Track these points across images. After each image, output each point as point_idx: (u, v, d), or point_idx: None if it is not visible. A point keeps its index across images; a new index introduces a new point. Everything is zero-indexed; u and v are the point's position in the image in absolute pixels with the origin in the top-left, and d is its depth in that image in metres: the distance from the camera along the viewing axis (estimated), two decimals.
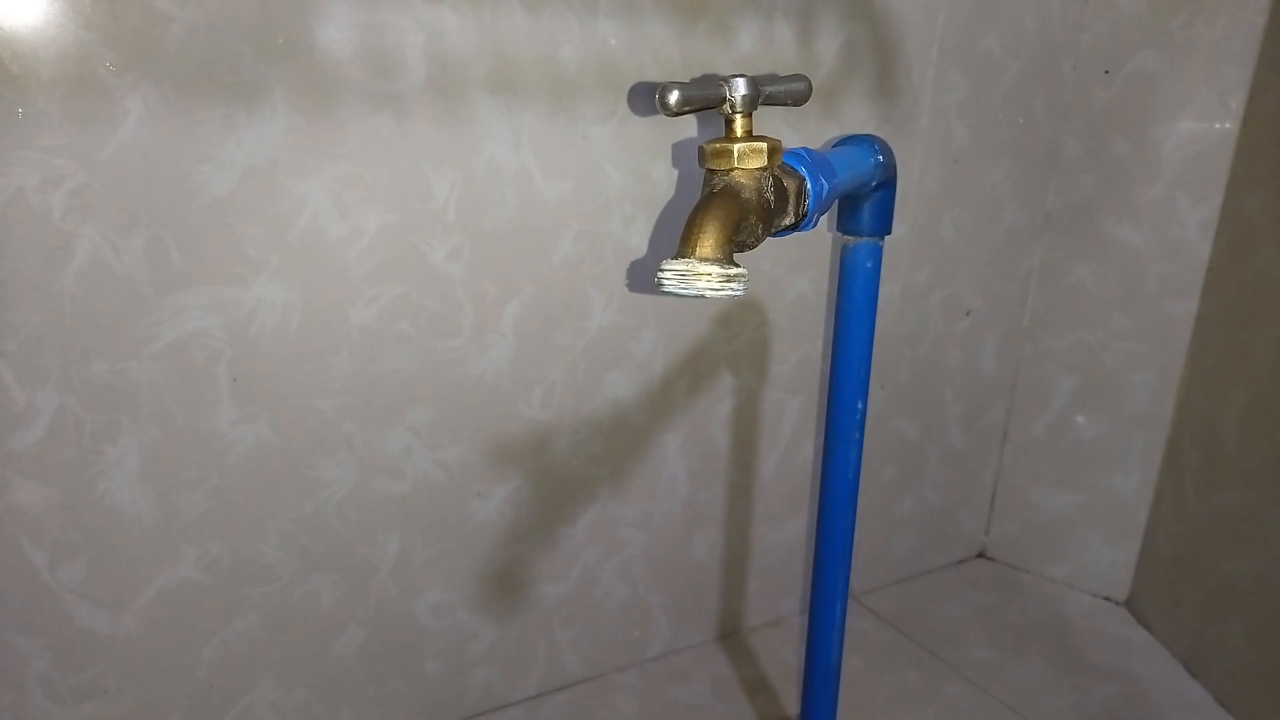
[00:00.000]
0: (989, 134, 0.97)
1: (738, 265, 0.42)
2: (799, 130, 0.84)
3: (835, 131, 0.86)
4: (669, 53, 0.76)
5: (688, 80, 0.54)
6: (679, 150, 0.80)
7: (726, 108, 0.48)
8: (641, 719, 0.89)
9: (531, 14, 0.69)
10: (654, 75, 0.76)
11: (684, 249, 0.43)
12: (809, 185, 0.52)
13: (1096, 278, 1.04)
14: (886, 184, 0.65)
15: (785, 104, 0.50)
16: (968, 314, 1.05)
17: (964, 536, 1.18)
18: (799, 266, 0.91)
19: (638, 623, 0.95)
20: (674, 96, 0.48)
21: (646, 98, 0.76)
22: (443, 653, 0.84)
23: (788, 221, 0.52)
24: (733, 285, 0.42)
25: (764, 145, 0.48)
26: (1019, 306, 1.09)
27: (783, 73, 0.73)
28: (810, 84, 0.52)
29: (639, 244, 0.81)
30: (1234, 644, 0.90)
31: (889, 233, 0.67)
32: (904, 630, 1.04)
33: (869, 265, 0.67)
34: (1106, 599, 1.11)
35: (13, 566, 0.64)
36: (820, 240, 0.91)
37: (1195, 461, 0.98)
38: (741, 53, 0.79)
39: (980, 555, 1.21)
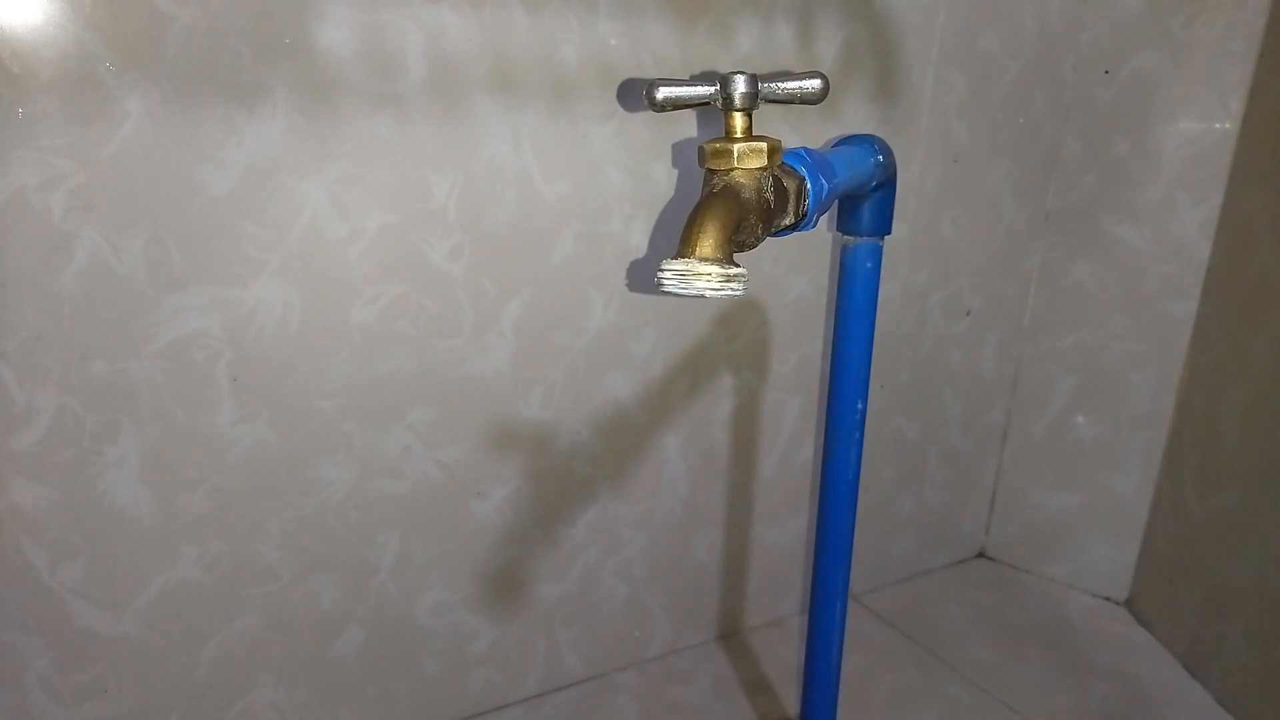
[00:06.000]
0: (989, 134, 0.97)
1: (738, 265, 0.42)
2: (799, 130, 0.84)
3: (835, 131, 0.86)
4: (669, 53, 0.76)
5: (687, 79, 0.55)
6: (679, 150, 0.80)
7: (719, 103, 0.49)
8: (641, 719, 0.89)
9: (531, 14, 0.70)
10: (654, 75, 0.76)
11: (684, 249, 0.43)
12: (809, 185, 0.52)
13: (1096, 278, 1.04)
14: (886, 184, 0.65)
15: (797, 102, 0.50)
16: (968, 314, 1.05)
17: (964, 536, 1.18)
18: (799, 266, 0.91)
19: (638, 623, 0.95)
20: (660, 93, 0.51)
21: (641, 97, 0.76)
22: (443, 653, 0.84)
23: (787, 221, 0.51)
24: (733, 285, 0.42)
25: (764, 145, 0.48)
26: (1019, 306, 1.09)
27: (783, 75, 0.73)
28: (827, 81, 0.50)
29: (639, 244, 0.81)
30: (1234, 644, 0.90)
31: (889, 233, 0.67)
32: (904, 630, 1.04)
33: (869, 265, 0.67)
34: (1106, 599, 1.11)
35: (13, 566, 0.64)
36: (820, 240, 0.91)
37: (1195, 461, 0.98)
38: (741, 53, 0.79)
39: (980, 555, 1.21)
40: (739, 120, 0.49)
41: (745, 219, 0.46)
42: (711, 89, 0.50)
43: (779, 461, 0.98)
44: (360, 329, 0.71)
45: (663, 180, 0.80)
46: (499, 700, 0.89)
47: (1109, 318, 1.04)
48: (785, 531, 1.01)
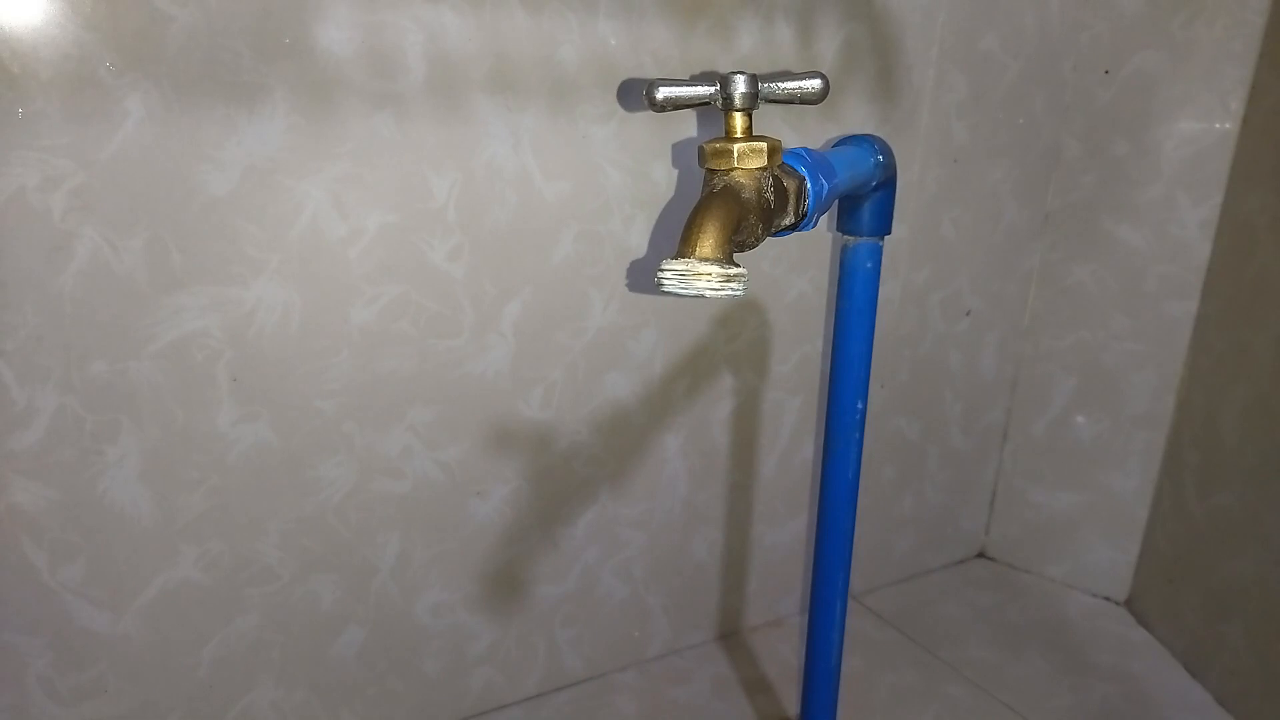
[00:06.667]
0: (989, 134, 0.97)
1: (738, 265, 0.42)
2: (799, 130, 0.84)
3: (835, 131, 0.86)
4: (669, 53, 0.76)
5: (687, 79, 0.55)
6: (679, 150, 0.80)
7: (719, 103, 0.49)
8: (641, 719, 0.89)
9: (531, 14, 0.69)
10: (654, 75, 0.76)
11: (684, 249, 0.43)
12: (809, 185, 0.52)
13: (1096, 278, 1.04)
14: (886, 184, 0.65)
15: (796, 102, 0.50)
16: (968, 314, 1.05)
17: (964, 536, 1.18)
18: (799, 266, 0.91)
19: (638, 623, 0.95)
20: (660, 93, 0.51)
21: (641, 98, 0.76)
22: (443, 653, 0.84)
23: (788, 221, 0.52)
24: (733, 285, 0.42)
25: (764, 145, 0.48)
26: (1019, 306, 1.09)
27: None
28: (827, 81, 0.50)
29: (639, 244, 0.81)
30: (1234, 644, 0.90)
31: (889, 233, 0.67)
32: (904, 630, 1.04)
33: (869, 265, 0.67)
34: (1106, 599, 1.11)
35: (13, 566, 0.64)
36: (820, 240, 0.91)
37: (1195, 461, 0.98)
38: (741, 53, 0.79)
39: (980, 555, 1.21)
40: (739, 120, 0.49)
41: (745, 219, 0.46)
42: (711, 89, 0.50)
43: (779, 461, 0.98)
44: (360, 329, 0.71)
45: (663, 180, 0.80)
46: (499, 700, 0.89)
47: (1109, 318, 1.04)
48: (785, 531, 1.01)
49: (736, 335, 0.89)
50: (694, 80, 0.51)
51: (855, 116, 0.88)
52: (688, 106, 0.51)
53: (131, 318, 0.63)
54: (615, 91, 0.75)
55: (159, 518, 0.68)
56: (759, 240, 0.48)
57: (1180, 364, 1.01)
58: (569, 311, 0.80)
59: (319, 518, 0.74)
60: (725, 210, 0.44)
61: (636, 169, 0.78)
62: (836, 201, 0.64)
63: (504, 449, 0.80)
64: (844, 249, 0.67)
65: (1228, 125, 0.93)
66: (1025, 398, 1.12)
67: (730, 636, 1.02)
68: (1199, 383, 0.98)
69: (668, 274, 0.42)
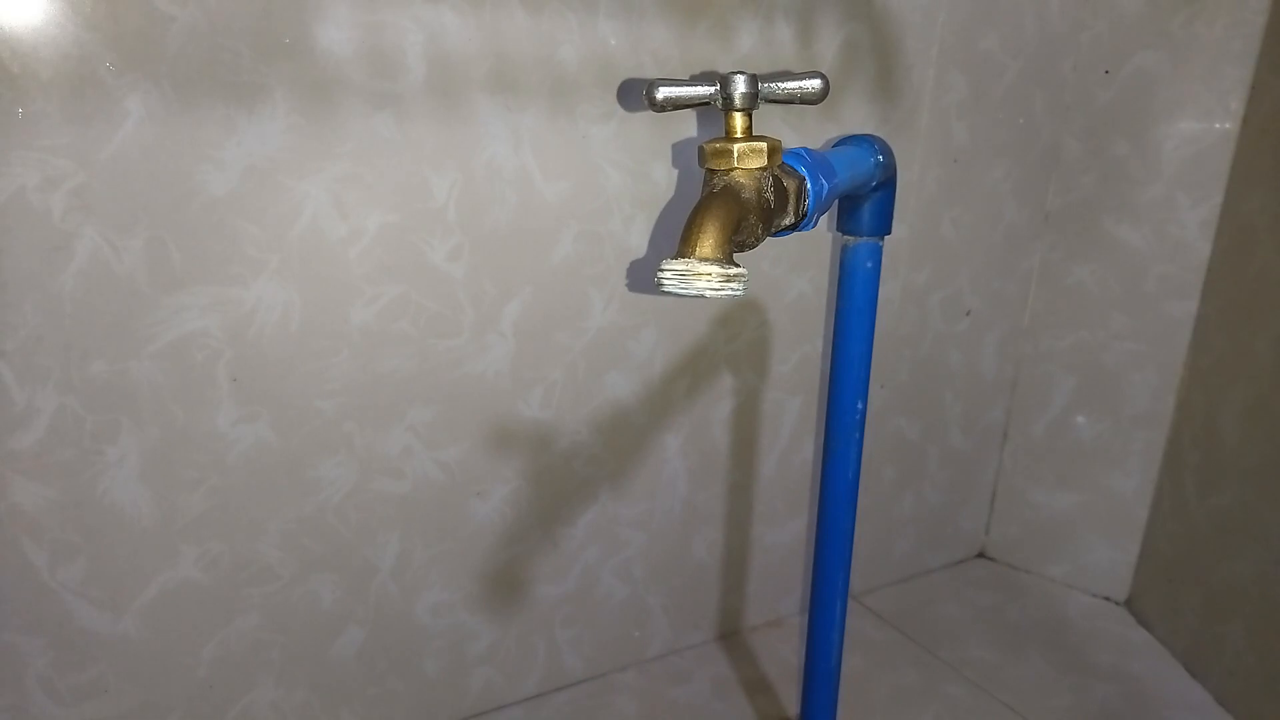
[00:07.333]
0: (989, 134, 0.97)
1: (738, 265, 0.42)
2: (799, 130, 0.84)
3: (835, 131, 0.86)
4: (669, 53, 0.76)
5: (687, 79, 0.55)
6: (679, 150, 0.80)
7: (719, 103, 0.48)
8: (641, 719, 0.89)
9: (531, 14, 0.70)
10: (654, 75, 0.76)
11: (684, 249, 0.43)
12: (809, 185, 0.52)
13: (1096, 278, 1.04)
14: (886, 184, 0.65)
15: (796, 102, 0.50)
16: (968, 314, 1.05)
17: (964, 536, 1.18)
18: (799, 266, 0.91)
19: (638, 623, 0.95)
20: (660, 93, 0.51)
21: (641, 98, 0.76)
22: (443, 653, 0.84)
23: (788, 221, 0.51)
24: (733, 285, 0.42)
25: (764, 145, 0.48)
26: (1019, 306, 1.09)
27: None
28: (827, 81, 0.50)
29: (639, 244, 0.81)
30: (1234, 644, 0.90)
31: (889, 233, 0.67)
32: (904, 630, 1.04)
33: (869, 265, 0.67)
34: (1106, 599, 1.11)
35: (13, 566, 0.64)
36: (820, 240, 0.91)
37: (1195, 461, 0.98)
38: (741, 53, 0.79)
39: (980, 555, 1.21)
40: (739, 120, 0.49)
41: (745, 219, 0.46)
42: (711, 89, 0.50)
43: (779, 461, 0.98)
44: (360, 329, 0.71)
45: (663, 180, 0.80)
46: (499, 700, 0.89)
47: (1109, 318, 1.04)
48: (785, 531, 1.01)
49: (736, 335, 0.89)
50: (694, 80, 0.51)
51: (855, 116, 0.88)
52: (688, 106, 0.51)
53: (131, 318, 0.63)
54: (615, 91, 0.75)
55: (159, 518, 0.68)
56: (759, 240, 0.48)
57: (1180, 364, 1.01)
58: (569, 311, 0.80)
59: (319, 518, 0.74)
60: (725, 210, 0.44)
61: (636, 169, 0.78)
62: (836, 201, 0.64)
63: (504, 449, 0.80)
64: (844, 249, 0.67)
65: (1228, 125, 0.93)
66: (1025, 398, 1.12)
67: (730, 636, 1.02)
68: (1199, 383, 0.98)
69: (668, 274, 0.42)
